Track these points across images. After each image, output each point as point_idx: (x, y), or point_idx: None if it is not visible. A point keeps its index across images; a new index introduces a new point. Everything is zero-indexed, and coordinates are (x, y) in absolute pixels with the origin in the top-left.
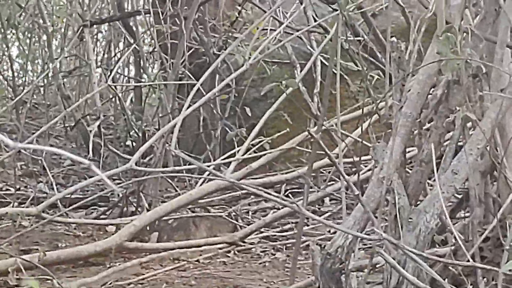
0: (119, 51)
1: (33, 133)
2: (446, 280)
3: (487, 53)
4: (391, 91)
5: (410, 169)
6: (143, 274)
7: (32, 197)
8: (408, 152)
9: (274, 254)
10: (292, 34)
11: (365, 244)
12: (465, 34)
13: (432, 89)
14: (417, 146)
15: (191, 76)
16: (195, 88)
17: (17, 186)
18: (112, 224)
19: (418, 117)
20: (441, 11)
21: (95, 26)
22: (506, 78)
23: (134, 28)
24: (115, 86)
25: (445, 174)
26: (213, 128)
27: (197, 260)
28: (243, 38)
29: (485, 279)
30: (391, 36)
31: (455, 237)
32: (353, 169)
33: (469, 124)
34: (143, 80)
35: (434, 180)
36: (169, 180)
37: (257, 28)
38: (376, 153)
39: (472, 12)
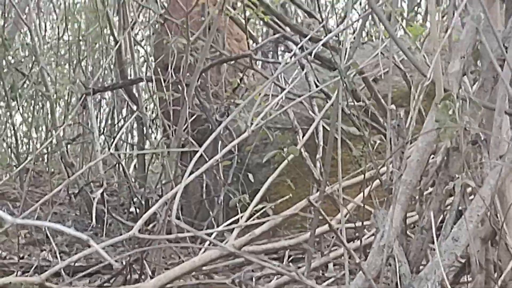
0: (122, 118)
1: (37, 201)
2: None
3: (485, 120)
4: (391, 158)
5: (412, 234)
6: None
7: (36, 266)
8: (409, 217)
9: None
10: (294, 99)
11: None
12: (463, 101)
13: (432, 156)
14: (417, 212)
15: (194, 143)
16: (197, 155)
17: (21, 255)
18: None
19: (418, 184)
20: (439, 79)
21: (98, 94)
22: (505, 145)
23: (137, 95)
24: (118, 154)
25: (446, 241)
26: (216, 194)
27: None
28: (243, 103)
29: None
30: (392, 102)
31: None
32: (356, 234)
33: (468, 190)
34: (146, 147)
35: (435, 248)
36: (173, 247)
37: (259, 94)
38: (377, 220)
39: (470, 79)
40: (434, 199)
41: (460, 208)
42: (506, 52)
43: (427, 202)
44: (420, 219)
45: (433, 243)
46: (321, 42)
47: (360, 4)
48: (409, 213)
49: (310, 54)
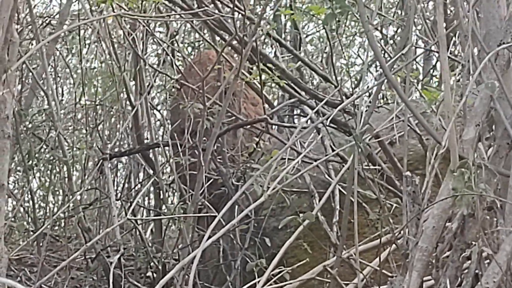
0: (139, 182)
1: (54, 266)
2: None
3: (501, 186)
4: (406, 225)
5: None
6: None
7: None
8: (425, 281)
9: None
10: (310, 163)
11: None
12: (478, 168)
13: (448, 222)
14: (434, 278)
15: (211, 207)
16: (215, 221)
17: None
18: None
19: (434, 251)
20: (454, 146)
21: (115, 159)
22: None
23: (154, 160)
24: (135, 219)
25: None
26: (233, 258)
27: None
28: (261, 169)
29: None
30: (408, 165)
31: None
32: None
33: (484, 255)
34: (162, 211)
35: None
36: None
37: (275, 159)
38: (395, 284)
39: (485, 145)
40: (450, 265)
41: (476, 273)
42: None
43: (444, 268)
44: (436, 285)
45: None
46: (338, 109)
47: (376, 67)
48: (425, 277)
49: (327, 119)
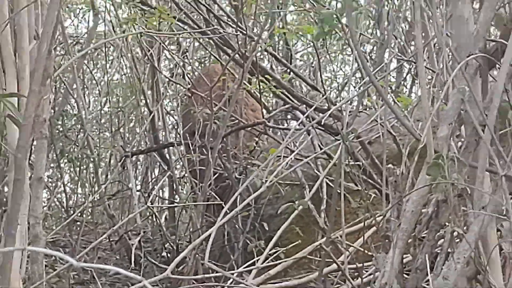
0: (155, 176)
1: (83, 247)
2: None
3: (470, 176)
4: (389, 210)
5: (407, 274)
6: None
7: None
8: (404, 259)
9: None
10: (302, 160)
11: None
12: (451, 161)
13: (424, 207)
14: (412, 255)
15: (217, 197)
16: (223, 211)
17: None
18: None
19: (412, 232)
20: (430, 142)
21: (135, 156)
22: (486, 198)
23: (168, 157)
24: (152, 207)
25: (437, 280)
26: (236, 240)
27: None
28: (260, 164)
29: None
30: (387, 162)
31: None
32: (356, 274)
33: (456, 235)
34: (176, 201)
35: (428, 285)
36: (200, 286)
37: (272, 156)
38: (378, 262)
39: (456, 142)
40: (426, 244)
41: (449, 251)
42: (487, 118)
43: (421, 247)
44: (414, 261)
45: (426, 281)
46: (327, 114)
47: (356, 79)
48: (404, 255)
49: (316, 123)
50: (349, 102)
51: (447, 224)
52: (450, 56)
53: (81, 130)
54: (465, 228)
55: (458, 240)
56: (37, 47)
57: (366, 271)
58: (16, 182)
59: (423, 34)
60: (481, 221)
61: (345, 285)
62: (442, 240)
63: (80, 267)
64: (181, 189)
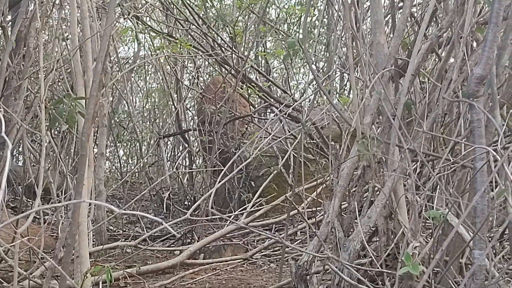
0: (179, 151)
1: (132, 199)
2: (366, 279)
3: (385, 149)
4: (332, 172)
5: (344, 215)
6: (195, 278)
7: (132, 235)
8: (342, 205)
9: (270, 264)
10: (276, 139)
11: (320, 259)
12: (372, 139)
13: (355, 171)
14: (347, 202)
15: (220, 165)
16: (222, 172)
17: (124, 229)
18: (177, 249)
19: (347, 186)
20: (358, 126)
21: (166, 138)
22: (396, 164)
23: (188, 139)
24: (178, 172)
25: (364, 218)
26: (233, 193)
27: (226, 269)
28: (248, 143)
29: (388, 278)
30: (332, 141)
31: (371, 254)
32: (312, 215)
33: (376, 189)
34: (193, 167)
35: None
36: (209, 224)
37: (256, 137)
38: (325, 207)
39: (376, 127)
40: (356, 195)
41: (371, 199)
42: (396, 111)
43: (353, 196)
44: (348, 206)
45: (356, 219)
46: (291, 108)
47: (313, 85)
48: (343, 203)
49: (286, 114)
50: (306, 100)
51: (370, 181)
52: (372, 69)
53: (130, 121)
54: (382, 184)
55: (377, 192)
56: (94, 66)
57: (319, 213)
58: (81, 156)
59: (355, 54)
60: (392, 180)
61: (304, 223)
62: (367, 192)
63: (125, 213)
64: (197, 159)
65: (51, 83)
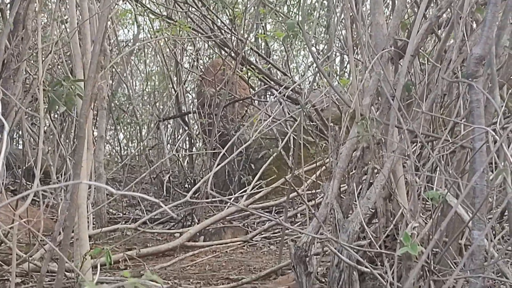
0: (179, 134)
1: (132, 182)
2: (365, 260)
3: (384, 130)
4: (331, 154)
5: (343, 196)
6: (195, 260)
7: (132, 218)
8: (342, 187)
9: (269, 246)
10: (276, 121)
11: (320, 240)
12: (372, 120)
13: (354, 152)
14: (346, 184)
15: (220, 147)
16: (221, 154)
17: (124, 212)
18: (177, 232)
19: (346, 168)
20: (357, 108)
21: (166, 121)
22: (395, 145)
23: (187, 121)
24: (178, 154)
25: (363, 199)
26: (233, 176)
27: (226, 251)
28: (248, 125)
29: (387, 259)
30: (332, 123)
31: (370, 235)
32: (312, 197)
33: (375, 170)
34: (193, 150)
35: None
36: (209, 206)
37: (257, 119)
38: (324, 188)
39: (375, 107)
40: (355, 176)
41: (370, 181)
42: (395, 91)
43: (352, 178)
44: (348, 187)
45: (355, 201)
46: (289, 89)
47: (313, 67)
48: (342, 184)
49: (285, 96)
50: (304, 82)
51: (369, 162)
52: (371, 50)
53: (130, 104)
54: (381, 165)
55: (376, 173)
56: (92, 47)
57: (319, 195)
58: (79, 138)
59: (354, 35)
60: (392, 160)
61: (304, 205)
62: (366, 174)
63: (123, 193)
64: (196, 142)
65: (50, 66)
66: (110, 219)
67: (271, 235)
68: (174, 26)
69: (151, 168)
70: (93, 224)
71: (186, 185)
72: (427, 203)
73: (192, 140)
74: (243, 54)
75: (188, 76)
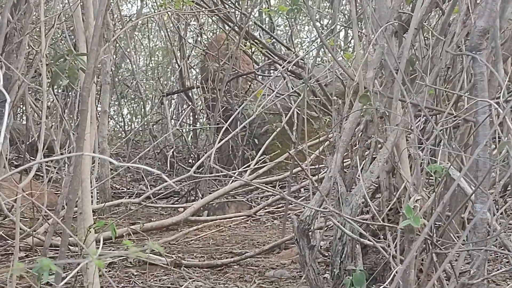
0: (183, 109)
1: (135, 156)
2: (368, 233)
3: (387, 104)
4: (334, 127)
5: (346, 170)
6: (199, 235)
7: (136, 193)
8: (345, 161)
9: (273, 221)
10: (279, 96)
11: (322, 214)
12: (375, 93)
13: (357, 125)
14: (349, 157)
15: (224, 122)
16: (223, 128)
17: (128, 187)
18: (181, 207)
19: (350, 141)
20: (361, 81)
21: (169, 96)
22: (399, 118)
23: (191, 96)
24: (181, 129)
25: (366, 173)
26: (237, 151)
27: (230, 226)
28: (252, 100)
29: (390, 232)
30: (336, 97)
31: (373, 208)
32: (315, 172)
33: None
34: (196, 125)
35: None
36: (213, 181)
37: (260, 94)
38: (327, 162)
39: (378, 81)
40: (359, 150)
41: (374, 154)
42: (399, 64)
43: (355, 151)
44: (351, 161)
45: (358, 175)
46: (293, 63)
47: (317, 42)
48: (345, 158)
49: (289, 71)
50: (308, 56)
51: (372, 136)
52: (375, 23)
53: (134, 79)
54: (384, 139)
55: (380, 146)
56: (95, 21)
57: (322, 170)
58: (82, 111)
59: (358, 9)
60: (395, 134)
61: (308, 180)
62: (369, 147)
63: (124, 165)
64: (200, 117)
65: (53, 41)
66: (114, 193)
67: (275, 209)
68: (177, 1)
69: (154, 143)
70: (97, 199)
71: (190, 160)
72: (431, 178)
73: (196, 115)
74: (247, 28)
75: (191, 51)
